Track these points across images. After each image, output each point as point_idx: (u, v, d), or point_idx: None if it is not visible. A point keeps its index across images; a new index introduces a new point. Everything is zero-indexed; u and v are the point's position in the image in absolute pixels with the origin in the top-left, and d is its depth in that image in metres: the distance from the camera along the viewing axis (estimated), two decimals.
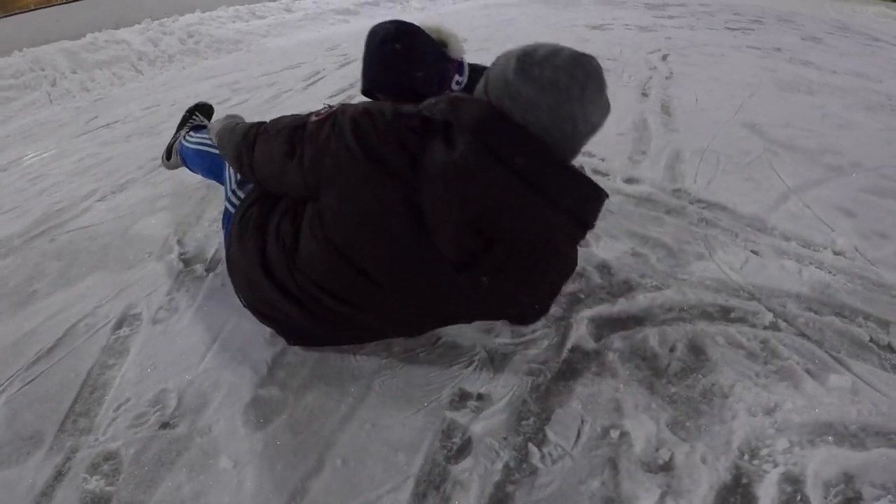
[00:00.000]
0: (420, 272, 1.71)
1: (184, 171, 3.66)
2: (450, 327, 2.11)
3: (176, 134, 3.23)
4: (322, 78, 6.32)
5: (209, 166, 2.64)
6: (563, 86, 1.58)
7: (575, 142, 1.64)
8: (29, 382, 2.03)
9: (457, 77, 2.34)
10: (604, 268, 2.52)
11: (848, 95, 5.78)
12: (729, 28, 11.51)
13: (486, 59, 2.00)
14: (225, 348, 2.13)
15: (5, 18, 11.40)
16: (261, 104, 5.46)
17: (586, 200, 1.64)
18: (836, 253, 2.70)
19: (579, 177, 1.61)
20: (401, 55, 2.21)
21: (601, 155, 3.71)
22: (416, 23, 2.27)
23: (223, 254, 2.62)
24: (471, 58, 2.49)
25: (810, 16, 17.79)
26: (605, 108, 1.68)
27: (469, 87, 2.29)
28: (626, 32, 9.55)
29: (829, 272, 2.54)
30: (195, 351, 2.11)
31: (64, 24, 10.04)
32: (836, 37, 12.04)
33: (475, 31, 9.19)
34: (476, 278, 1.69)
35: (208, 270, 2.58)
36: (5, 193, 3.87)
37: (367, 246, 1.71)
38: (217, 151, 2.49)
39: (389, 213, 1.66)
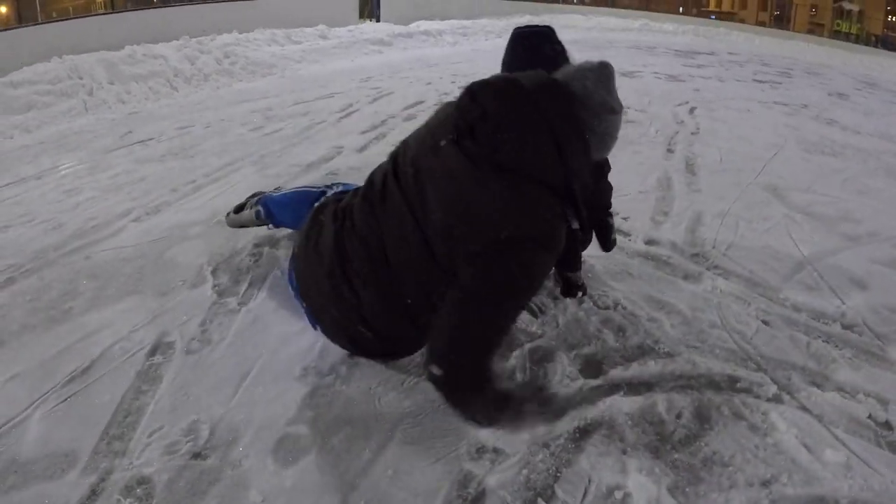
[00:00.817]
0: None
1: (217, 199, 3.80)
2: None
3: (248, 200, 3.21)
4: (356, 111, 6.45)
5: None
6: None
7: None
8: (64, 400, 2.11)
9: None
10: (620, 331, 2.59)
11: (870, 159, 5.89)
12: (757, 80, 11.63)
13: None
14: (256, 384, 2.20)
15: (47, 24, 11.66)
16: (293, 134, 5.57)
17: None
18: (844, 326, 2.75)
19: None
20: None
21: (624, 213, 3.80)
22: None
23: (255, 289, 2.73)
24: None
25: (839, 69, 17.92)
26: None
27: None
28: (656, 81, 9.66)
29: (836, 346, 2.60)
30: (227, 384, 2.19)
31: (104, 34, 10.26)
32: (862, 93, 12.15)
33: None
34: None
35: (241, 305, 2.68)
36: (40, 203, 4.01)
37: None
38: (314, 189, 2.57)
39: None
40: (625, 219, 3.73)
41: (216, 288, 2.79)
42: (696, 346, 2.52)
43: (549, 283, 2.83)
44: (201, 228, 3.45)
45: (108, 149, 5.38)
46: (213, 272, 2.94)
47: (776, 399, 2.25)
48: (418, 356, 2.23)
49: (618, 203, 3.51)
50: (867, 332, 2.72)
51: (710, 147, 5.59)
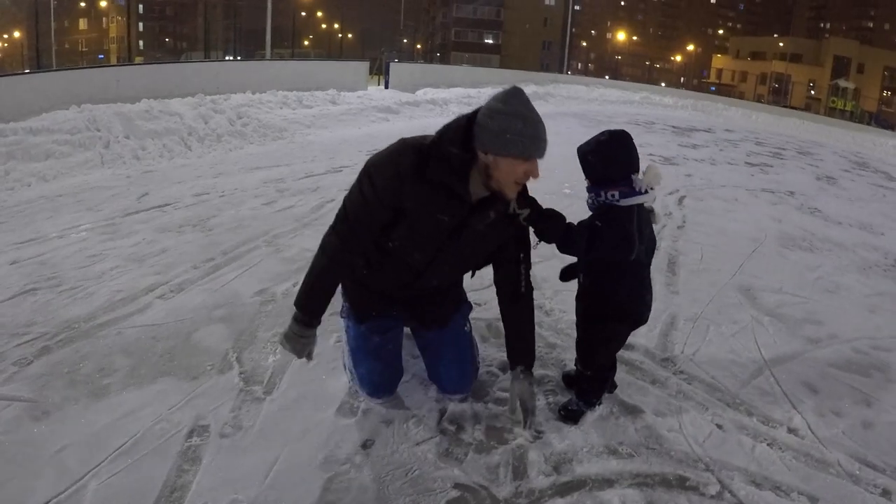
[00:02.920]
0: None
1: (236, 282, 4.16)
2: None
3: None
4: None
5: None
6: None
7: None
8: (115, 474, 2.38)
9: (615, 193, 2.66)
10: (589, 431, 2.90)
11: (845, 254, 6.33)
12: (749, 163, 12.24)
13: None
14: (284, 469, 2.49)
15: (66, 71, 12.08)
16: (304, 213, 5.92)
17: None
18: (790, 430, 3.05)
19: None
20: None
21: None
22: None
23: (277, 379, 3.07)
24: None
25: (831, 148, 18.62)
26: None
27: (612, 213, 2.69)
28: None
29: (779, 449, 2.87)
30: (259, 468, 2.47)
31: (122, 85, 10.69)
32: (851, 175, 12.80)
33: None
34: None
35: (265, 394, 2.98)
36: (65, 267, 4.32)
37: None
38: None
39: None
40: None
41: (242, 375, 3.10)
42: (654, 448, 2.83)
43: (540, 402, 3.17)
44: (224, 312, 3.77)
45: (126, 210, 5.71)
46: (238, 359, 3.25)
47: (718, 496, 2.55)
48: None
49: None
50: (810, 436, 3.04)
51: (692, 243, 5.96)
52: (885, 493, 2.69)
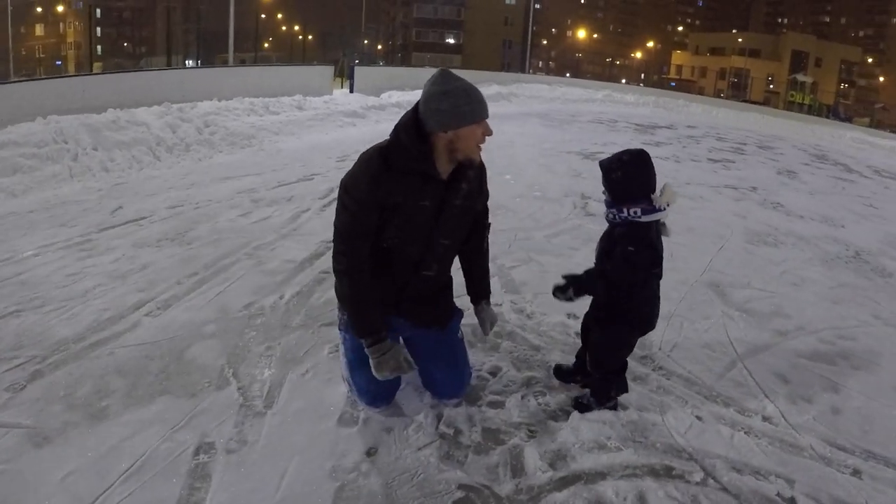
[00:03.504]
0: None
1: (222, 296, 4.21)
2: None
3: None
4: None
5: None
6: None
7: None
8: (127, 496, 2.43)
9: (636, 210, 2.89)
10: (579, 428, 3.01)
11: (809, 247, 6.61)
12: (711, 160, 12.57)
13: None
14: (295, 481, 2.56)
15: (30, 82, 11.95)
16: (282, 224, 5.96)
17: None
18: (764, 418, 3.25)
19: None
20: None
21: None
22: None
23: (276, 392, 3.14)
24: None
25: (790, 141, 19.06)
26: None
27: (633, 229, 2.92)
28: None
29: (755, 436, 3.07)
30: (270, 482, 2.54)
31: (88, 95, 10.57)
32: (811, 169, 13.22)
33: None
34: None
35: (266, 408, 3.03)
36: (47, 287, 4.30)
37: None
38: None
39: None
40: None
41: (241, 390, 3.15)
42: (640, 441, 2.97)
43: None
44: (214, 327, 3.81)
45: (101, 225, 5.69)
46: (235, 374, 3.29)
47: (703, 483, 2.72)
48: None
49: (577, 307, 3.70)
50: (783, 423, 3.23)
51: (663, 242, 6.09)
52: (856, 472, 2.90)
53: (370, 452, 2.77)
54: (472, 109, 2.65)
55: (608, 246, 3.00)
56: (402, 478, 2.64)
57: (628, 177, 2.89)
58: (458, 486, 2.61)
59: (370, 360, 2.77)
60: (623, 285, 2.93)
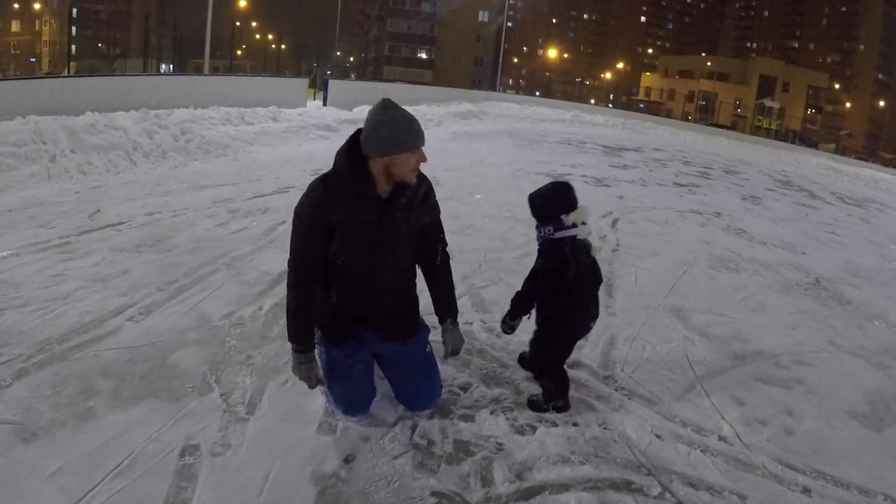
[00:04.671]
0: None
1: (203, 304, 4.34)
2: None
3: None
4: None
5: None
6: None
7: None
8: (117, 492, 2.55)
9: (550, 229, 3.36)
10: (545, 442, 3.20)
11: (770, 273, 6.84)
12: (678, 184, 12.87)
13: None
14: (277, 484, 2.70)
15: (9, 81, 11.91)
16: (259, 235, 6.09)
17: None
18: (720, 438, 3.44)
19: None
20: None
21: None
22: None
23: (258, 399, 3.29)
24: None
25: (756, 166, 19.56)
26: None
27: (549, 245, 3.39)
28: (584, 187, 10.58)
29: (711, 454, 3.26)
30: (254, 484, 2.68)
31: (66, 96, 10.62)
32: (775, 194, 13.64)
33: (449, 175, 10.04)
34: None
35: (248, 414, 3.17)
36: (30, 287, 4.39)
37: None
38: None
39: None
40: None
41: (223, 396, 3.29)
42: (602, 456, 3.16)
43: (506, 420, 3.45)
44: (196, 335, 3.93)
45: (80, 228, 5.77)
46: (217, 380, 3.43)
47: (660, 496, 2.91)
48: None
49: None
50: (737, 443, 3.42)
51: (627, 266, 6.33)
52: (805, 490, 3.11)
53: (348, 459, 2.92)
54: (408, 138, 2.87)
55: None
56: (378, 484, 2.80)
57: (544, 202, 3.36)
58: (432, 493, 2.78)
59: (292, 363, 3.05)
60: (542, 295, 3.40)
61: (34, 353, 3.54)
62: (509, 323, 3.48)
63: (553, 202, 3.37)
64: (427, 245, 3.23)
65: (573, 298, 3.39)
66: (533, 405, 3.49)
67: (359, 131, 2.94)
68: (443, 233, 3.31)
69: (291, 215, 2.98)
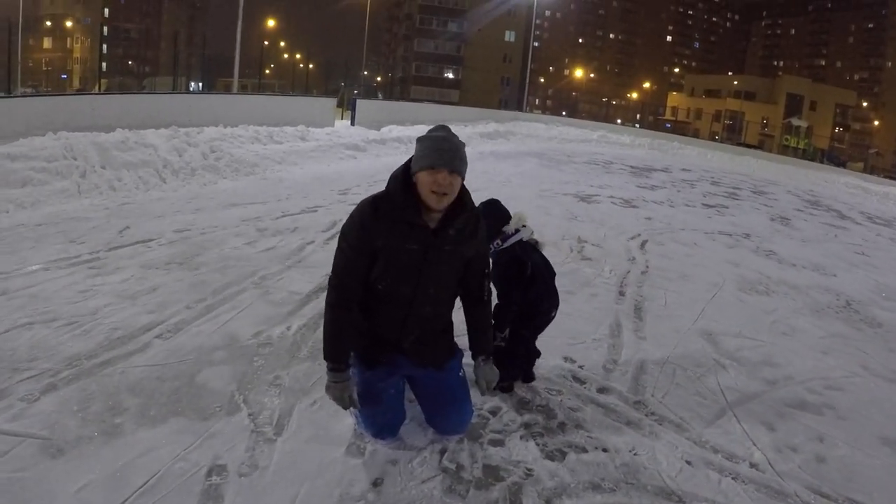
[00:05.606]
0: None
1: (231, 324, 4.33)
2: None
3: None
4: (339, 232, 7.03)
5: None
6: None
7: None
8: None
9: (499, 241, 3.74)
10: (575, 469, 3.15)
11: (800, 296, 6.73)
12: (706, 205, 12.78)
13: None
14: None
15: (43, 97, 12.12)
16: (287, 254, 6.09)
17: None
18: (751, 465, 3.36)
19: None
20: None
21: (580, 361, 4.36)
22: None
23: (285, 420, 3.25)
24: None
25: (784, 186, 19.36)
26: None
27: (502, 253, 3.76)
28: (612, 208, 10.48)
29: (742, 482, 3.17)
30: None
31: (97, 113, 10.78)
32: (804, 215, 13.52)
33: (476, 195, 9.88)
34: None
35: (276, 435, 3.14)
36: (58, 302, 4.42)
37: None
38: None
39: None
40: (580, 367, 4.29)
41: (251, 416, 3.26)
42: (633, 483, 3.09)
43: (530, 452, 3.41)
44: (224, 354, 3.92)
45: (109, 244, 5.82)
46: (245, 401, 3.40)
47: None
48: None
49: (574, 350, 4.39)
50: (769, 470, 3.34)
51: (656, 289, 6.26)
52: None
53: (376, 483, 2.87)
54: (426, 156, 2.85)
55: None
56: None
57: (486, 220, 3.37)
58: None
59: (327, 382, 3.01)
60: (515, 299, 3.64)
61: (62, 368, 3.54)
62: (500, 336, 3.64)
63: (491, 220, 3.57)
64: (471, 278, 3.20)
65: (537, 292, 3.71)
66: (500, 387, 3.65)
67: None
68: (488, 267, 3.29)
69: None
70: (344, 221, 3.01)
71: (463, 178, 2.94)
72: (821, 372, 4.76)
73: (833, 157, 48.06)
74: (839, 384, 4.59)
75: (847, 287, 7.50)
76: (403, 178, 2.90)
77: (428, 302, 3.04)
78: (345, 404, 3.01)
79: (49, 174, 7.93)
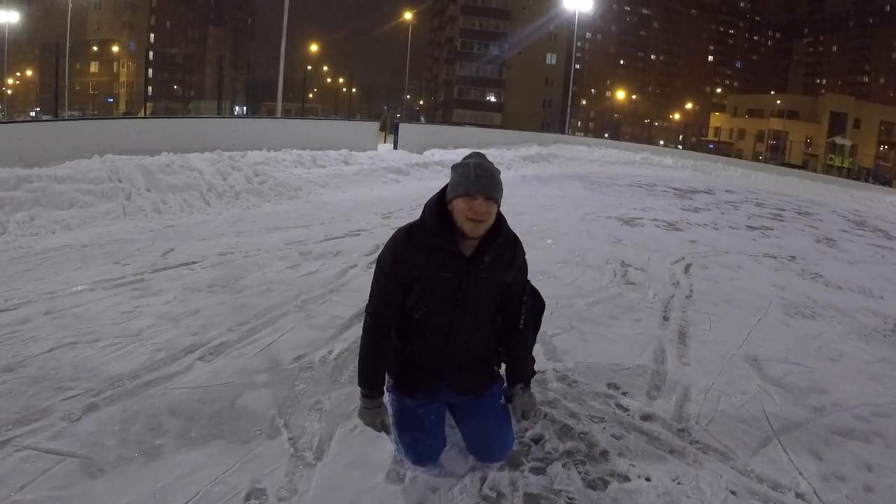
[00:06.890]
0: None
1: (273, 347, 4.33)
2: None
3: None
4: None
5: None
6: None
7: None
8: None
9: None
10: (617, 499, 3.07)
11: (847, 320, 6.50)
12: (750, 227, 12.51)
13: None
14: None
15: (89, 120, 12.40)
16: (330, 279, 6.08)
17: None
18: (797, 495, 3.23)
19: None
20: None
21: (624, 388, 4.27)
22: None
23: (326, 445, 3.22)
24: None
25: (829, 207, 18.95)
26: None
27: None
28: (655, 231, 10.36)
29: None
30: None
31: (143, 136, 10.98)
32: (850, 236, 13.18)
33: (519, 219, 9.91)
34: None
35: (316, 460, 3.11)
36: (102, 321, 4.48)
37: None
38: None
39: None
40: (624, 393, 4.20)
41: (291, 441, 3.24)
42: None
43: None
44: (265, 377, 3.91)
45: (153, 266, 5.90)
46: (286, 425, 3.38)
47: None
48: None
49: (618, 377, 4.32)
50: (815, 500, 3.21)
51: (701, 314, 6.10)
52: None
53: None
54: (460, 184, 2.84)
55: None
56: None
57: None
58: None
59: (359, 407, 3.04)
60: None
61: (104, 388, 3.57)
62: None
63: None
64: (509, 305, 3.17)
65: None
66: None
67: None
68: (527, 294, 3.24)
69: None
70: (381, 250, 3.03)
71: (499, 205, 2.91)
72: (868, 398, 4.58)
73: (878, 176, 47.16)
74: (888, 411, 4.41)
75: (895, 310, 7.26)
76: (438, 206, 2.90)
77: (465, 330, 3.02)
78: (377, 429, 3.00)
79: (95, 196, 8.09)
